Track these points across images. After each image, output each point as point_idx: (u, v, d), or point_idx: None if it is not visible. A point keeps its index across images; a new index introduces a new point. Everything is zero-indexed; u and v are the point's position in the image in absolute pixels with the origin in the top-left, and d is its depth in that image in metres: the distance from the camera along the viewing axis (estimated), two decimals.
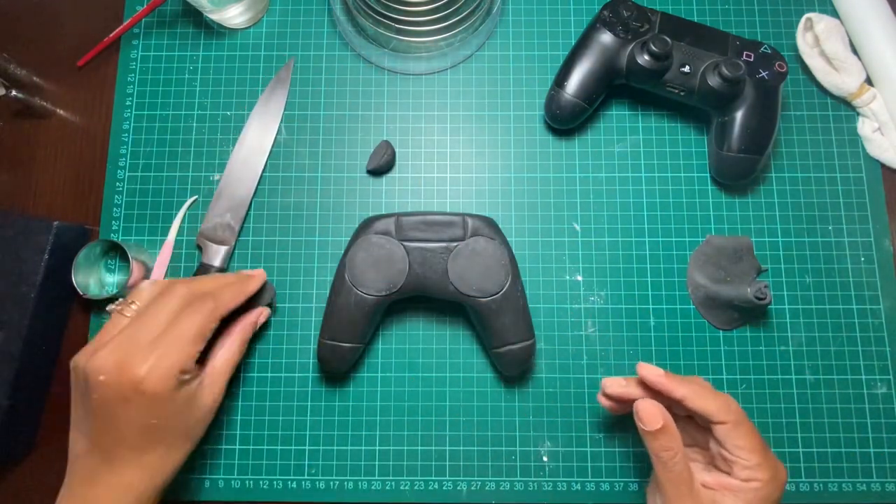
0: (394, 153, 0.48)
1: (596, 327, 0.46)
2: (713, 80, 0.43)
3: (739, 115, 0.44)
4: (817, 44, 0.48)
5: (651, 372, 0.36)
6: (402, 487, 0.44)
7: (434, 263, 0.41)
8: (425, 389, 0.45)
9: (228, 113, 0.49)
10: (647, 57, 0.44)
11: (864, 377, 0.45)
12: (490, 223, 0.43)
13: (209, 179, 0.48)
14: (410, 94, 0.50)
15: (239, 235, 0.47)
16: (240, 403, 0.45)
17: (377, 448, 0.44)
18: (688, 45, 0.45)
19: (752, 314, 0.46)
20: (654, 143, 0.49)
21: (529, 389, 0.45)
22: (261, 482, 0.44)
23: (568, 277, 0.47)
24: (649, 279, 0.46)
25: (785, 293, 0.46)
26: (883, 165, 0.48)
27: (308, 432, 0.44)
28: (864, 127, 0.48)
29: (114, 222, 0.48)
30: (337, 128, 0.49)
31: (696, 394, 0.35)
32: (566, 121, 0.47)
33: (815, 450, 0.44)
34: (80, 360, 0.35)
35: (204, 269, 0.45)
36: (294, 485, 0.44)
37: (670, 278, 0.46)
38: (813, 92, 0.50)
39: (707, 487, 0.35)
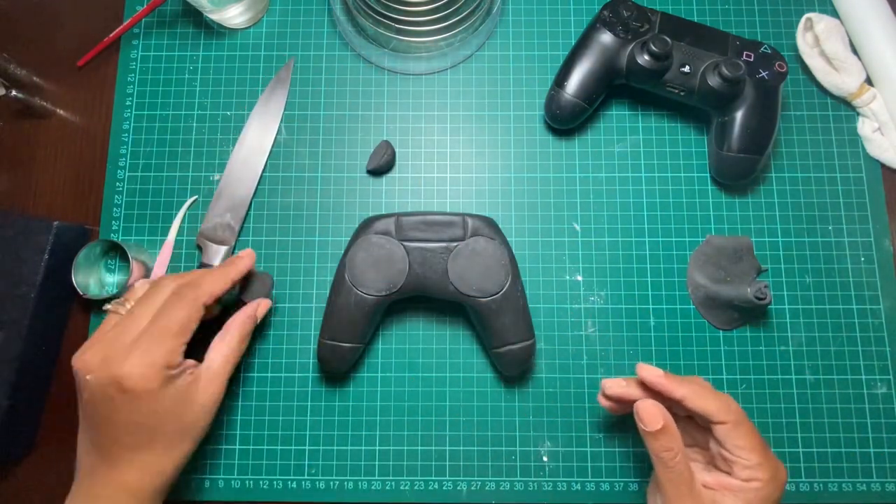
0: (394, 153, 0.48)
1: (596, 327, 0.46)
2: (713, 80, 0.43)
3: (739, 115, 0.44)
4: (817, 44, 0.48)
5: (650, 372, 0.36)
6: (402, 487, 0.44)
7: (434, 263, 0.41)
8: (425, 389, 0.45)
9: (228, 113, 0.49)
10: (647, 57, 0.44)
11: (864, 377, 0.45)
12: (490, 223, 0.43)
13: (209, 179, 0.48)
14: (410, 94, 0.50)
15: (239, 235, 0.47)
16: (240, 403, 0.45)
17: (377, 448, 0.44)
18: (688, 45, 0.45)
19: (752, 314, 0.46)
20: (654, 143, 0.49)
21: (529, 389, 0.45)
22: (261, 482, 0.44)
23: (568, 277, 0.47)
24: (649, 279, 0.46)
25: (785, 293, 0.46)
26: (883, 165, 0.48)
27: (308, 432, 0.44)
28: (864, 127, 0.48)
29: (114, 222, 0.48)
30: (337, 128, 0.49)
31: (695, 394, 0.35)
32: (566, 121, 0.47)
33: (815, 450, 0.44)
34: (74, 360, 0.35)
35: (204, 269, 0.45)
36: (294, 485, 0.44)
37: (670, 278, 0.46)
38: (813, 92, 0.50)
39: (707, 487, 0.35)
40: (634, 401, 0.36)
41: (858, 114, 0.49)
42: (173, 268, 0.47)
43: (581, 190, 0.48)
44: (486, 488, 0.44)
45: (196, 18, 0.51)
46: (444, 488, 0.44)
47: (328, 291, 0.43)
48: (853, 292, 0.46)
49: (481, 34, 0.50)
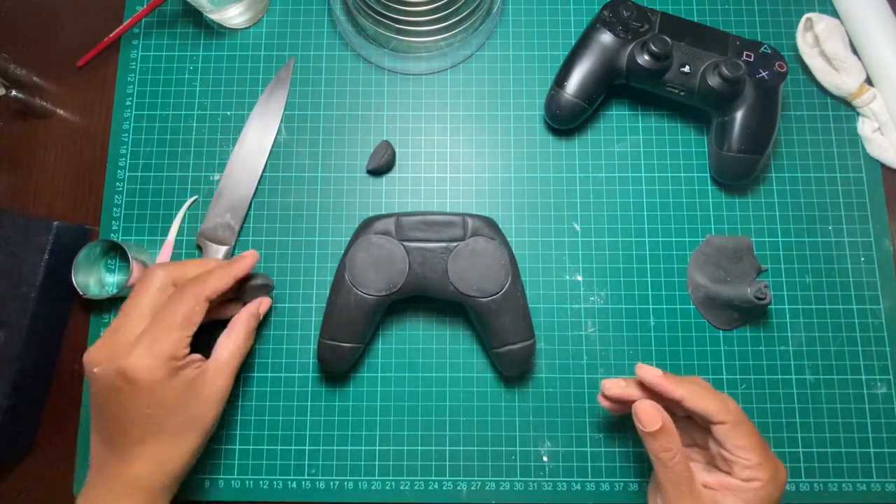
0: (394, 153, 0.48)
1: (596, 327, 0.46)
2: (713, 80, 0.43)
3: (739, 115, 0.44)
4: (817, 44, 0.48)
5: (649, 373, 0.36)
6: (402, 487, 0.44)
7: (434, 263, 0.41)
8: (425, 389, 0.45)
9: (228, 113, 0.49)
10: (647, 57, 0.44)
11: (864, 377, 0.45)
12: (490, 223, 0.43)
13: (209, 179, 0.48)
14: (410, 94, 0.50)
15: (239, 235, 0.47)
16: (240, 403, 0.45)
17: (377, 448, 0.44)
18: (688, 45, 0.45)
19: (752, 314, 0.46)
20: (654, 143, 0.49)
21: (529, 389, 0.45)
22: (261, 482, 0.44)
23: (568, 277, 0.47)
24: (649, 279, 0.46)
25: (785, 293, 0.46)
26: (883, 165, 0.48)
27: (308, 432, 0.44)
28: (864, 127, 0.48)
29: (114, 222, 0.48)
30: (337, 128, 0.49)
31: (694, 394, 0.35)
32: (566, 121, 0.47)
33: (815, 450, 0.44)
34: (84, 355, 0.35)
35: (200, 259, 0.45)
36: (294, 485, 0.44)
37: (670, 278, 0.46)
38: (813, 92, 0.50)
39: (708, 487, 0.35)
40: (634, 401, 0.36)
41: (858, 114, 0.49)
42: None
43: (581, 190, 0.48)
44: (486, 488, 0.44)
45: (196, 18, 0.51)
46: (444, 488, 0.44)
47: (328, 291, 0.43)
48: (853, 292, 0.46)
49: (481, 34, 0.50)
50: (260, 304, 0.42)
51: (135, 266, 0.44)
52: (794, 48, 0.49)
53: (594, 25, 0.46)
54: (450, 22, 0.47)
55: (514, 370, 0.43)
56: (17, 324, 0.43)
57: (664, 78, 0.44)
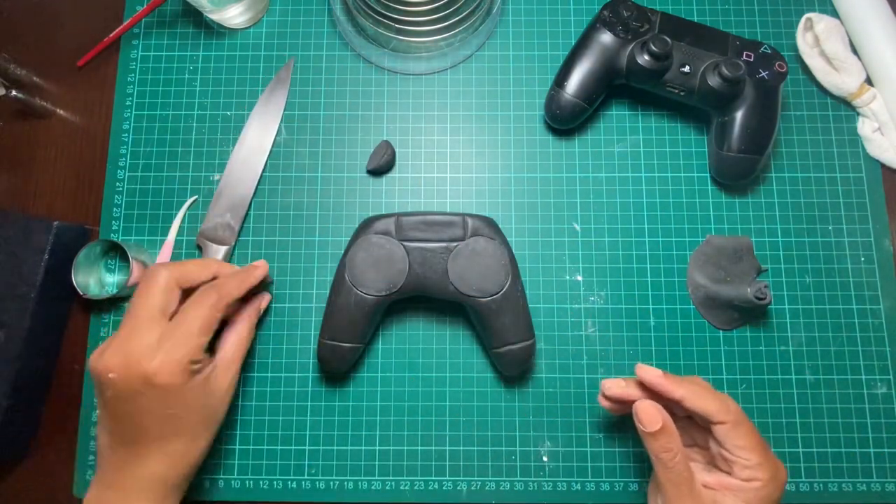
0: (394, 153, 0.48)
1: (596, 327, 0.46)
2: (713, 80, 0.43)
3: (739, 115, 0.44)
4: (817, 44, 0.48)
5: (649, 373, 0.36)
6: (402, 487, 0.44)
7: (434, 263, 0.41)
8: (425, 389, 0.45)
9: (228, 113, 0.49)
10: (647, 57, 0.44)
11: (864, 377, 0.45)
12: (490, 223, 0.43)
13: (209, 179, 0.48)
14: (410, 94, 0.50)
15: (239, 235, 0.47)
16: (240, 403, 0.45)
17: (377, 448, 0.44)
18: (688, 45, 0.45)
19: (752, 314, 0.46)
20: (654, 143, 0.49)
21: (529, 389, 0.45)
22: (261, 482, 0.44)
23: (568, 277, 0.47)
24: (649, 279, 0.46)
25: (785, 293, 0.46)
26: (883, 165, 0.48)
27: (308, 432, 0.44)
28: (864, 127, 0.48)
29: (114, 222, 0.48)
30: (337, 128, 0.49)
31: (694, 394, 0.35)
32: (566, 121, 0.47)
33: (815, 450, 0.44)
34: (91, 359, 0.35)
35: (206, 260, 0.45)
36: (294, 485, 0.44)
37: (670, 278, 0.46)
38: (813, 92, 0.50)
39: (708, 487, 0.35)
40: (634, 401, 0.36)
41: (858, 114, 0.49)
42: None
43: (581, 190, 0.48)
44: (486, 488, 0.44)
45: (196, 18, 0.51)
46: (444, 488, 0.44)
47: (328, 291, 0.43)
48: (853, 292, 0.46)
49: (481, 34, 0.50)
50: (261, 300, 0.43)
51: (135, 266, 0.44)
52: (794, 48, 0.49)
53: (594, 25, 0.46)
54: (450, 22, 0.47)
55: (514, 370, 0.43)
56: (17, 324, 0.43)
57: (664, 78, 0.44)
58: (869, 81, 0.48)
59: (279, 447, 0.44)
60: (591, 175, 0.48)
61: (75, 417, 0.45)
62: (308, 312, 0.46)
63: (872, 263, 0.47)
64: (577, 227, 0.47)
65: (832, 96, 0.49)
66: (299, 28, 0.51)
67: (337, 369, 0.43)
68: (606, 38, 0.45)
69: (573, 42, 0.47)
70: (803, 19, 0.48)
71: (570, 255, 0.47)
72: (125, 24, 0.50)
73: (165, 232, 0.47)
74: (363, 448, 0.44)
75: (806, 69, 0.49)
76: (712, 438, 0.36)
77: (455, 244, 0.41)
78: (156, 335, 0.35)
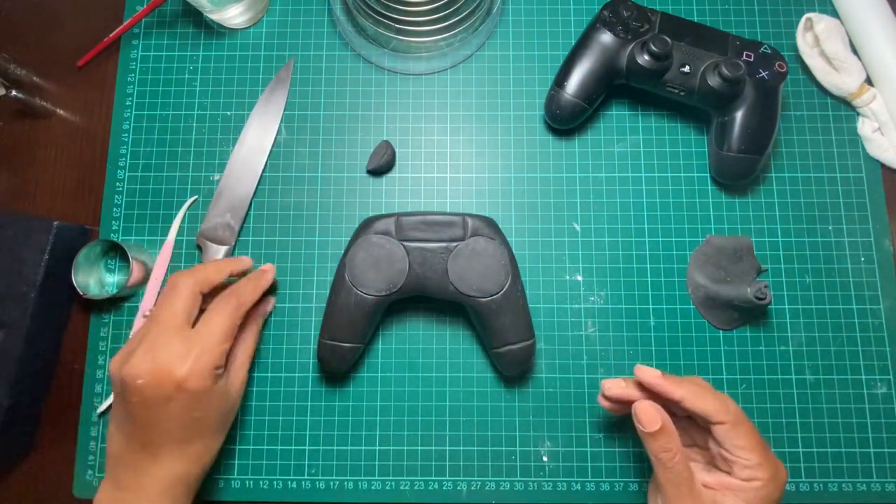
0: (394, 153, 0.48)
1: (596, 327, 0.46)
2: (713, 80, 0.43)
3: (739, 115, 0.44)
4: (817, 44, 0.48)
5: (648, 374, 0.36)
6: (402, 487, 0.44)
7: (434, 263, 0.41)
8: (425, 389, 0.45)
9: (228, 113, 0.49)
10: (647, 57, 0.44)
11: (864, 377, 0.45)
12: (490, 223, 0.43)
13: (209, 179, 0.48)
14: (410, 94, 0.50)
15: (239, 235, 0.47)
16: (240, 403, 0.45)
17: (377, 448, 0.44)
18: (688, 45, 0.45)
19: (752, 314, 0.46)
20: (654, 143, 0.49)
21: (529, 389, 0.45)
22: (261, 482, 0.44)
23: (568, 277, 0.47)
24: (649, 279, 0.46)
25: (785, 293, 0.46)
26: (883, 165, 0.48)
27: (308, 432, 0.44)
28: (864, 127, 0.48)
29: (114, 222, 0.48)
30: (337, 128, 0.49)
31: (694, 394, 0.35)
32: (566, 121, 0.47)
33: (815, 450, 0.44)
34: (115, 365, 0.36)
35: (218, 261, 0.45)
36: (294, 485, 0.44)
37: (670, 278, 0.46)
38: (813, 92, 0.50)
39: (708, 487, 0.35)
40: (634, 401, 0.36)
41: (858, 114, 0.49)
42: (173, 267, 0.47)
43: (581, 190, 0.48)
44: (486, 488, 0.44)
45: (196, 18, 0.51)
46: (444, 488, 0.44)
47: (328, 291, 0.43)
48: (853, 292, 0.46)
49: (481, 34, 0.50)
50: (266, 305, 0.45)
51: (135, 266, 0.44)
52: (794, 48, 0.49)
53: (594, 25, 0.46)
54: (450, 22, 0.47)
55: (514, 370, 0.43)
56: (17, 324, 0.43)
57: (664, 78, 0.44)
58: (869, 81, 0.48)
59: (279, 447, 0.44)
60: (591, 175, 0.48)
61: (75, 417, 0.45)
62: (308, 312, 0.46)
63: (872, 263, 0.47)
64: (577, 227, 0.47)
65: (832, 96, 0.49)
66: (299, 28, 0.51)
67: (337, 369, 0.43)
68: (606, 38, 0.45)
69: (573, 42, 0.47)
70: (803, 19, 0.48)
71: (570, 255, 0.47)
72: (125, 24, 0.50)
73: (165, 232, 0.47)
74: (363, 448, 0.44)
75: (806, 69, 0.49)
76: (712, 438, 0.36)
77: (455, 244, 0.41)
78: (183, 342, 0.36)
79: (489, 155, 0.49)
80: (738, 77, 0.42)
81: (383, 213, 0.43)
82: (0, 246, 0.44)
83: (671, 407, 0.36)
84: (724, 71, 0.42)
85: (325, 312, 0.42)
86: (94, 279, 0.46)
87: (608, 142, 0.49)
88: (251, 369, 0.43)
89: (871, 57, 0.48)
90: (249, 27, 0.51)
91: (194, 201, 0.48)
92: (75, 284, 0.44)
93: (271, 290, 0.45)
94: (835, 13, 0.50)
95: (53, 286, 0.44)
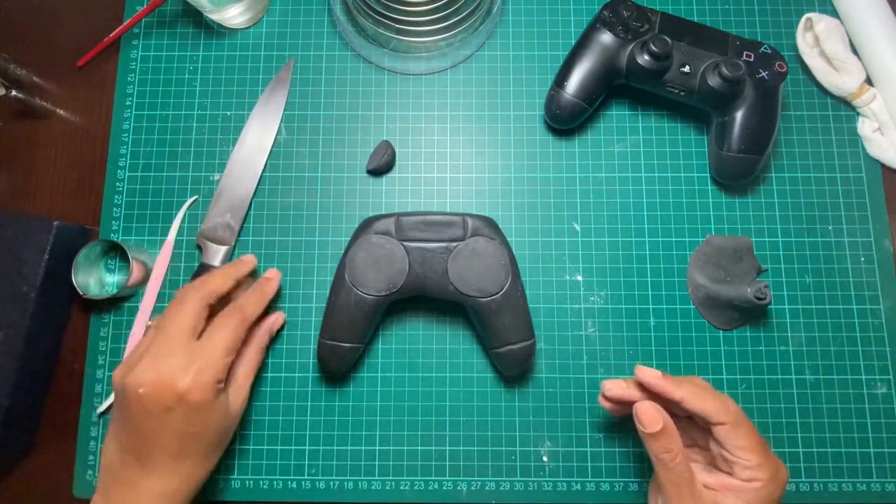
0: (394, 153, 0.48)
1: (596, 327, 0.46)
2: (713, 80, 0.43)
3: (739, 115, 0.44)
4: (817, 44, 0.48)
5: (648, 375, 0.36)
6: (402, 487, 0.44)
7: (434, 263, 0.41)
8: (425, 389, 0.45)
9: (228, 113, 0.49)
10: (647, 57, 0.44)
11: (864, 377, 0.45)
12: (490, 223, 0.43)
13: (209, 179, 0.48)
14: (410, 94, 0.50)
15: (239, 235, 0.47)
16: None
17: (377, 448, 0.44)
18: (688, 45, 0.45)
19: (752, 314, 0.46)
20: (654, 143, 0.49)
21: (529, 389, 0.45)
22: (261, 482, 0.44)
23: (568, 277, 0.47)
24: (649, 279, 0.46)
25: (785, 293, 0.46)
26: (883, 165, 0.48)
27: (308, 432, 0.44)
28: (864, 127, 0.48)
29: (114, 222, 0.48)
30: (337, 128, 0.49)
31: (694, 395, 0.35)
32: (566, 121, 0.47)
33: (815, 450, 0.44)
34: (118, 374, 0.36)
35: (204, 268, 0.45)
36: (294, 485, 0.44)
37: (670, 278, 0.46)
38: (813, 92, 0.50)
39: (709, 488, 0.35)
40: (635, 402, 0.36)
41: (858, 114, 0.49)
42: (173, 267, 0.47)
43: (581, 190, 0.48)
44: (486, 488, 0.44)
45: (196, 18, 0.51)
46: (444, 488, 0.44)
47: (328, 291, 0.43)
48: (853, 292, 0.46)
49: (481, 34, 0.50)
50: (275, 322, 0.45)
51: (135, 266, 0.44)
52: (794, 48, 0.49)
53: (594, 25, 0.46)
54: (450, 22, 0.47)
55: (514, 370, 0.43)
56: (17, 324, 0.43)
57: (664, 78, 0.44)
58: (869, 81, 0.48)
59: (279, 447, 0.44)
60: (591, 175, 0.48)
61: (75, 417, 0.45)
62: (308, 312, 0.46)
63: (872, 263, 0.47)
64: (577, 227, 0.47)
65: (832, 96, 0.49)
66: (299, 28, 0.51)
67: (337, 369, 0.43)
68: (606, 38, 0.45)
69: (573, 42, 0.47)
70: (803, 19, 0.48)
71: (570, 255, 0.47)
72: (125, 24, 0.50)
73: (165, 232, 0.47)
74: (363, 448, 0.44)
75: (806, 69, 0.49)
76: (712, 439, 0.36)
77: (455, 244, 0.41)
78: (186, 355, 0.36)
79: (489, 155, 0.49)
80: (738, 77, 0.42)
81: (383, 213, 0.43)
82: (0, 246, 0.44)
83: (671, 407, 0.36)
84: (724, 71, 0.42)
85: (325, 312, 0.42)
86: (94, 279, 0.46)
87: (608, 142, 0.49)
88: (255, 384, 0.43)
89: (871, 57, 0.48)
90: (249, 27, 0.51)
91: (194, 201, 0.48)
92: (75, 284, 0.44)
93: (275, 297, 0.44)
94: (835, 13, 0.50)
95: (53, 286, 0.44)
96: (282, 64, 0.50)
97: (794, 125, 0.49)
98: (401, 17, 0.46)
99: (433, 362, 0.45)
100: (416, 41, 0.48)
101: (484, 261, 0.41)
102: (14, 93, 0.47)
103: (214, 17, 0.49)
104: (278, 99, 0.49)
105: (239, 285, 0.42)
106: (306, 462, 0.44)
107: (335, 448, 0.44)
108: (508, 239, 0.43)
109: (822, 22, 0.47)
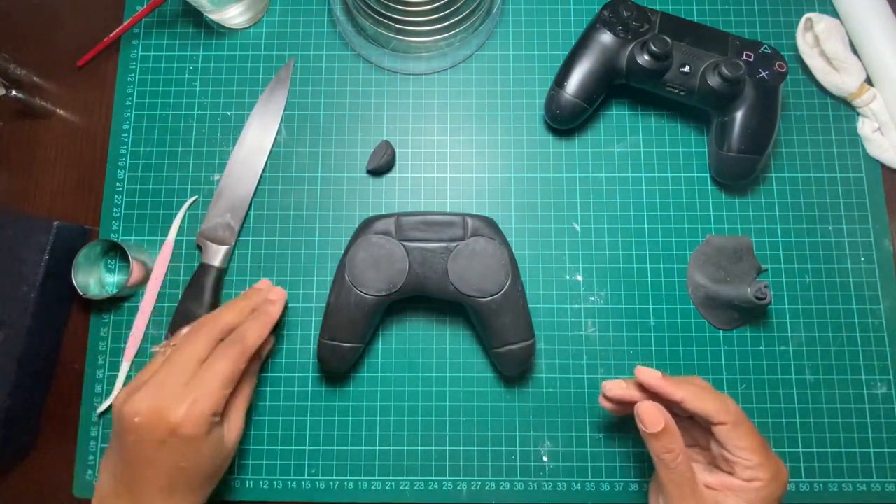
0: (394, 153, 0.48)
1: (596, 327, 0.46)
2: (713, 80, 0.43)
3: (739, 115, 0.44)
4: (817, 44, 0.48)
5: (648, 375, 0.36)
6: (402, 487, 0.44)
7: (434, 263, 0.41)
8: (425, 389, 0.45)
9: (228, 113, 0.49)
10: (647, 57, 0.44)
11: (864, 377, 0.45)
12: (490, 223, 0.43)
13: (209, 179, 0.48)
14: (410, 94, 0.50)
15: (239, 235, 0.47)
16: None
17: (377, 448, 0.44)
18: (688, 45, 0.45)
19: (752, 314, 0.46)
20: (654, 143, 0.49)
21: (529, 389, 0.45)
22: (261, 482, 0.44)
23: (568, 277, 0.47)
24: (649, 279, 0.46)
25: (785, 293, 0.46)
26: (883, 165, 0.48)
27: (308, 432, 0.44)
28: (864, 127, 0.48)
29: (114, 222, 0.48)
30: (337, 128, 0.49)
31: (694, 395, 0.35)
32: (566, 121, 0.47)
33: (815, 450, 0.44)
34: (118, 401, 0.35)
35: (204, 269, 0.45)
36: (294, 485, 0.44)
37: (670, 278, 0.46)
38: (813, 92, 0.50)
39: (710, 488, 0.35)
40: (635, 402, 0.36)
41: (858, 114, 0.49)
42: (173, 267, 0.47)
43: (581, 190, 0.48)
44: (486, 488, 0.44)
45: (196, 18, 0.51)
46: (444, 488, 0.44)
47: (328, 291, 0.43)
48: (853, 292, 0.46)
49: (481, 34, 0.50)
50: (263, 348, 0.41)
51: (135, 266, 0.44)
52: (794, 48, 0.49)
53: (594, 25, 0.46)
54: (450, 22, 0.47)
55: (514, 370, 0.43)
56: (17, 324, 0.43)
57: (664, 78, 0.44)
58: (869, 81, 0.48)
59: (279, 447, 0.44)
60: (591, 175, 0.48)
61: (75, 417, 0.45)
62: (308, 312, 0.46)
63: (872, 263, 0.47)
64: (577, 227, 0.47)
65: (832, 96, 0.49)
66: (299, 28, 0.51)
67: (337, 369, 0.43)
68: (606, 38, 0.45)
69: (573, 42, 0.47)
70: (803, 19, 0.48)
71: (570, 255, 0.47)
72: (125, 24, 0.50)
73: (165, 232, 0.47)
74: (363, 448, 0.44)
75: (806, 69, 0.49)
76: (713, 439, 0.36)
77: (455, 244, 0.41)
78: (184, 387, 0.35)
79: (489, 155, 0.49)
80: (738, 77, 0.42)
81: (383, 213, 0.43)
82: (0, 246, 0.44)
83: (672, 407, 0.36)
84: (724, 71, 0.42)
85: (325, 312, 0.42)
86: (94, 279, 0.46)
87: (608, 142, 0.49)
88: (248, 415, 0.41)
89: (871, 57, 0.48)
90: (249, 27, 0.51)
91: (194, 201, 0.48)
92: (75, 284, 0.44)
93: (279, 321, 0.42)
94: (835, 13, 0.50)
95: (53, 286, 0.44)
96: (282, 64, 0.50)
97: (794, 125, 0.49)
98: (401, 17, 0.46)
99: (433, 362, 0.45)
100: (416, 41, 0.48)
101: (484, 261, 0.41)
102: (14, 93, 0.47)
103: (214, 17, 0.49)
104: (278, 99, 0.49)
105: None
106: (306, 462, 0.44)
107: (335, 448, 0.44)
108: (508, 239, 0.43)
109: (822, 22, 0.47)
